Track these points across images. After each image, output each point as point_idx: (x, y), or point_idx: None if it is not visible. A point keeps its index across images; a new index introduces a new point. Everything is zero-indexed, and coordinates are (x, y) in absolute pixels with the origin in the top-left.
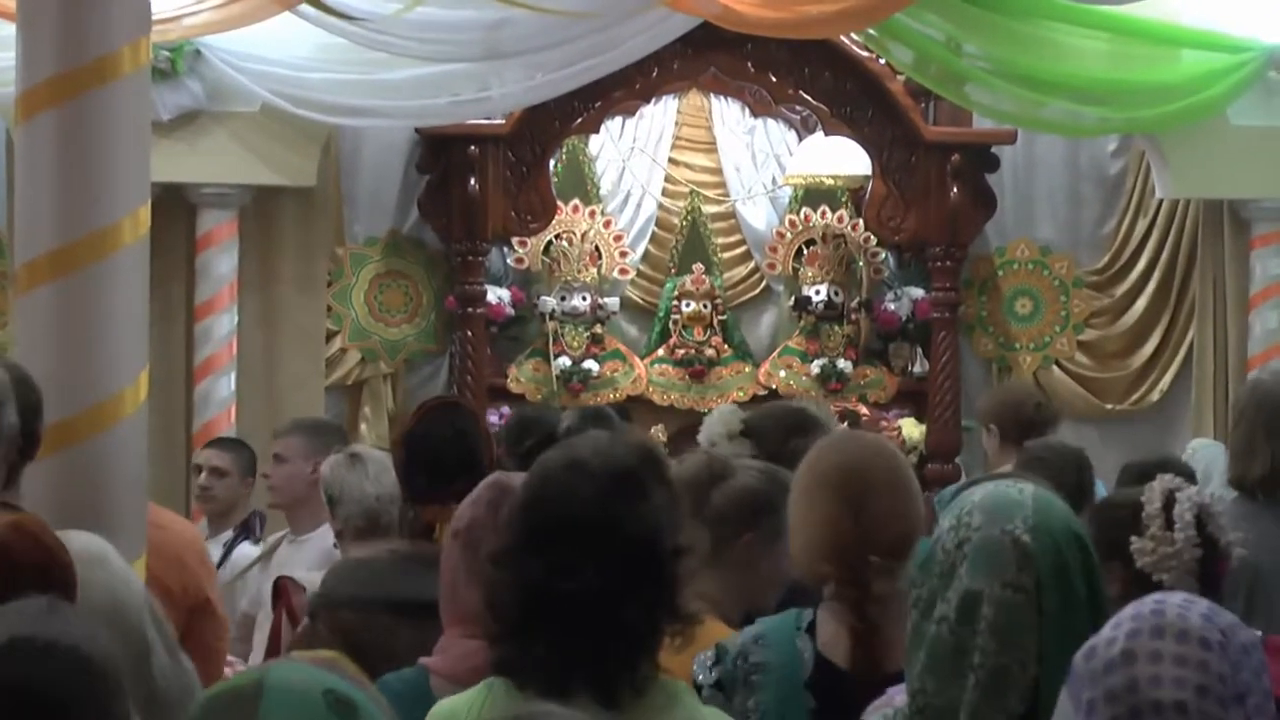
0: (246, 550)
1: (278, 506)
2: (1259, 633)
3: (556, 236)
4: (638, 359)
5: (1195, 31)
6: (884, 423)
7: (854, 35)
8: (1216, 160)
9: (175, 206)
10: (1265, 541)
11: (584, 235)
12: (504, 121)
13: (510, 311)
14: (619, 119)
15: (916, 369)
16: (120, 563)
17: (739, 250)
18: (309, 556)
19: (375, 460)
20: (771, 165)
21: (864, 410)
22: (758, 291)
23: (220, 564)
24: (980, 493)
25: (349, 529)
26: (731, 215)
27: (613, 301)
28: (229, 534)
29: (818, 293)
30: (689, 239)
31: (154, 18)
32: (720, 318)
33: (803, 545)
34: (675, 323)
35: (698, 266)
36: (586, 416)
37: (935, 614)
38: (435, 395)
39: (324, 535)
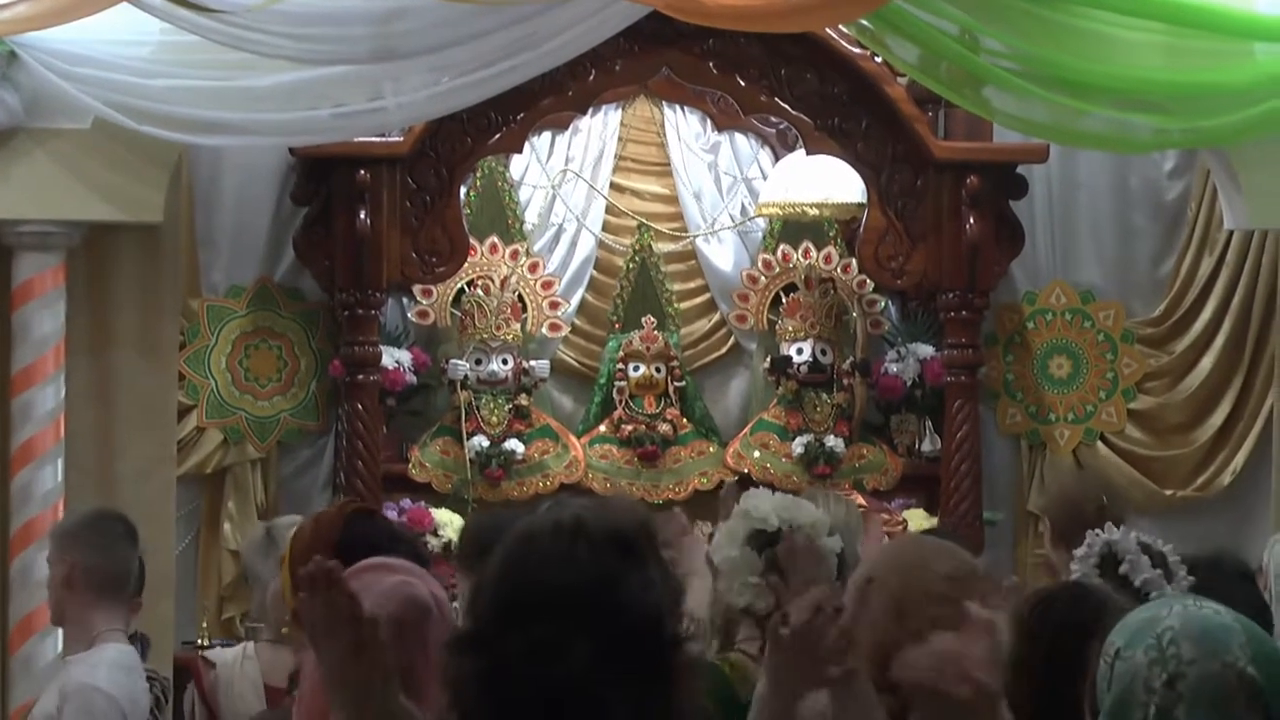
0: None
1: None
2: None
3: (470, 284)
4: (573, 438)
5: (1273, 20)
6: (885, 515)
7: (843, 28)
8: None
9: None
10: None
11: (504, 282)
12: (401, 139)
13: (411, 379)
14: (547, 135)
15: (926, 447)
16: None
17: (700, 299)
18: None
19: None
20: (740, 192)
21: (860, 499)
22: (724, 351)
23: None
24: (1176, 618)
25: (260, 630)
26: (691, 255)
27: (541, 365)
28: None
29: (800, 352)
30: (637, 285)
31: None
32: (677, 384)
33: None
34: (620, 391)
35: (648, 320)
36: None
37: None
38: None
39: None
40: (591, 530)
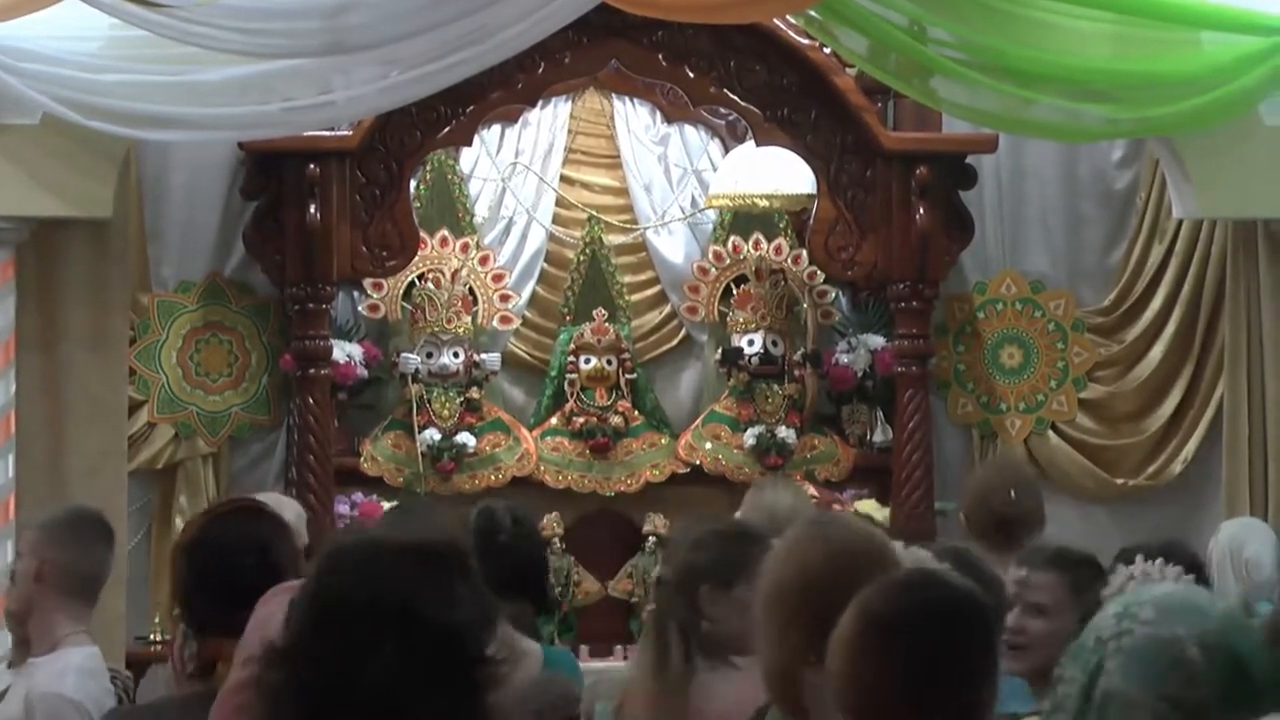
0: None
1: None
2: None
3: (420, 277)
4: (525, 430)
5: (1219, 10)
6: (837, 505)
7: (791, 19)
8: (1247, 170)
9: None
10: None
11: (455, 275)
12: (351, 133)
13: (362, 373)
14: (497, 128)
15: (878, 438)
16: None
17: (651, 291)
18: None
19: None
20: (690, 184)
21: (812, 490)
22: (675, 343)
23: None
24: (1163, 589)
25: None
26: (641, 247)
27: (492, 358)
28: None
29: (751, 343)
30: (588, 278)
31: None
32: (628, 376)
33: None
34: (572, 384)
35: (599, 312)
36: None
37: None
38: (233, 498)
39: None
40: (395, 547)
